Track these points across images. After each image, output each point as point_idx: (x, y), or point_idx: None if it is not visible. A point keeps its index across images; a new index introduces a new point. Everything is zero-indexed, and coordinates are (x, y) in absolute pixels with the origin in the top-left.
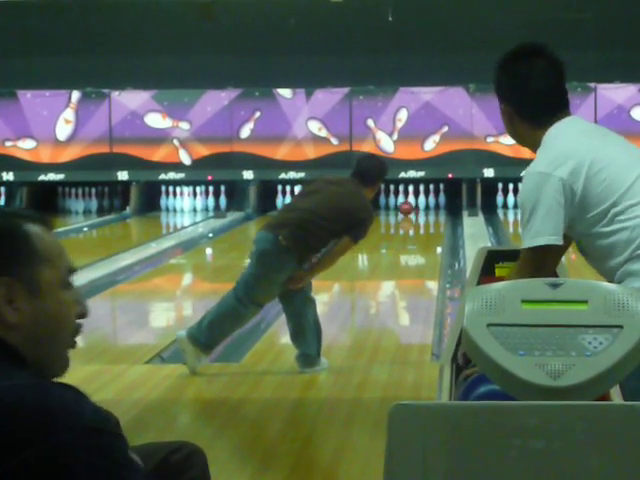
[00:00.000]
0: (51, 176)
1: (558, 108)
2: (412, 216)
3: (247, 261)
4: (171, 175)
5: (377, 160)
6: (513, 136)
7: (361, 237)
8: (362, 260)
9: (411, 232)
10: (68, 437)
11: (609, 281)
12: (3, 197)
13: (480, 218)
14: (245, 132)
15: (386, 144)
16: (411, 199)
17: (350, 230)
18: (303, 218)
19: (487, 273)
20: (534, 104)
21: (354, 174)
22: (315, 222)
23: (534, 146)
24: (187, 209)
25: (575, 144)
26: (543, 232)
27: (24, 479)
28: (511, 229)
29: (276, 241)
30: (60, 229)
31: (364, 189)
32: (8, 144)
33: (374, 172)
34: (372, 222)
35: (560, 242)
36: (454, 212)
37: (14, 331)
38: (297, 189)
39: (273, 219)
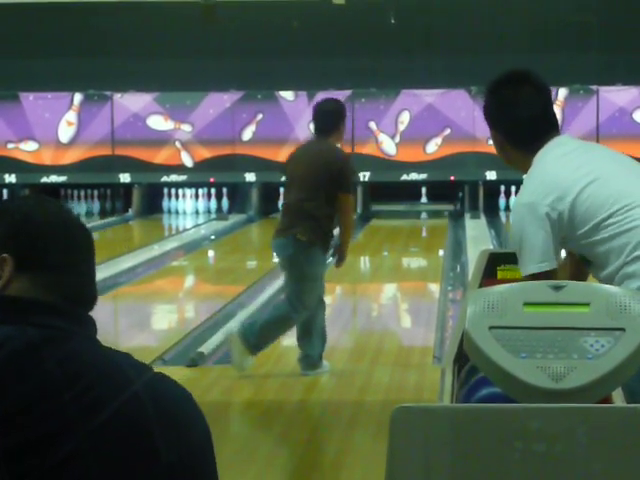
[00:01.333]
0: (53, 178)
1: (546, 133)
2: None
3: (249, 263)
4: (173, 177)
5: (330, 103)
6: (506, 161)
7: (351, 185)
8: (364, 262)
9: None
10: (205, 425)
11: None
12: (5, 199)
13: (482, 220)
14: (247, 134)
15: (388, 146)
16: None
17: (338, 186)
18: (301, 210)
19: (489, 276)
20: (522, 131)
21: (315, 129)
22: (310, 206)
23: (527, 170)
24: (189, 211)
25: (558, 168)
26: (533, 260)
27: (185, 460)
28: None
29: (295, 241)
30: None
31: (329, 139)
32: (10, 146)
33: (331, 116)
34: (350, 164)
35: (551, 266)
36: (456, 214)
37: None
38: None
39: (280, 224)
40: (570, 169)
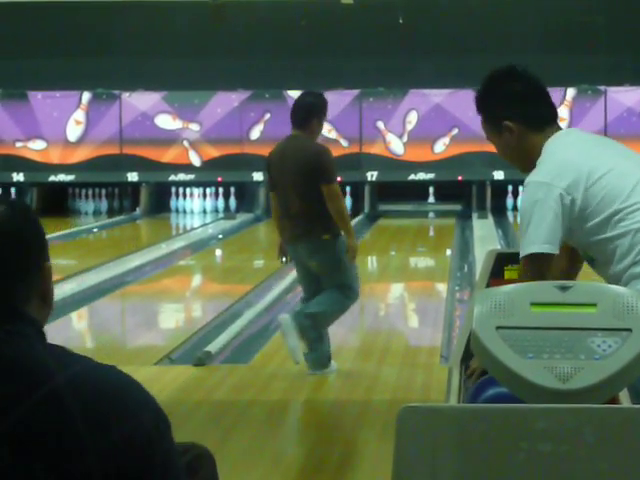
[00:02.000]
0: (61, 177)
1: (549, 114)
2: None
3: (256, 262)
4: (181, 176)
5: (306, 96)
6: (510, 160)
7: (332, 174)
8: (371, 262)
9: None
10: (150, 415)
11: None
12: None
13: (490, 220)
14: (255, 133)
15: (396, 146)
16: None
17: (321, 180)
18: (311, 214)
19: (496, 276)
20: (533, 106)
21: (292, 122)
22: (315, 207)
23: (536, 157)
24: (197, 210)
25: (573, 154)
26: (536, 240)
27: (119, 453)
28: None
29: (323, 242)
30: (70, 230)
31: (304, 132)
32: (19, 145)
33: (305, 110)
34: (327, 154)
35: (554, 251)
36: (464, 214)
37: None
38: None
39: (295, 229)
40: (585, 157)
